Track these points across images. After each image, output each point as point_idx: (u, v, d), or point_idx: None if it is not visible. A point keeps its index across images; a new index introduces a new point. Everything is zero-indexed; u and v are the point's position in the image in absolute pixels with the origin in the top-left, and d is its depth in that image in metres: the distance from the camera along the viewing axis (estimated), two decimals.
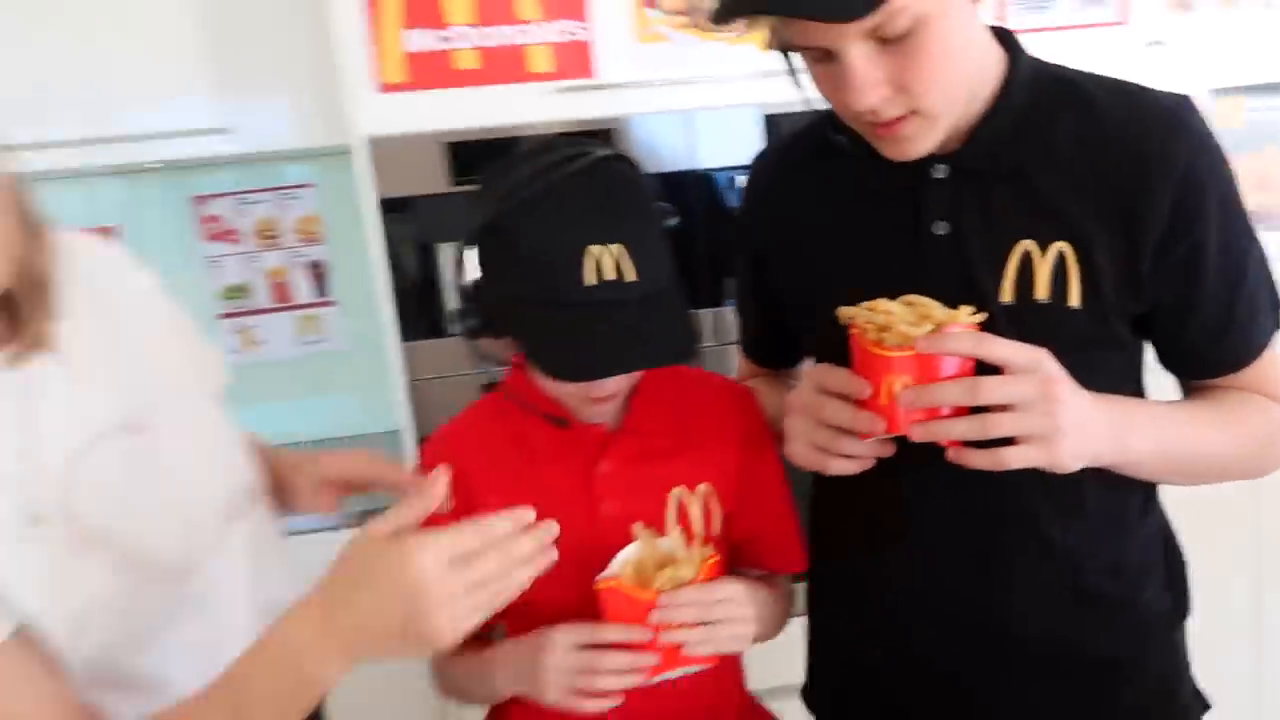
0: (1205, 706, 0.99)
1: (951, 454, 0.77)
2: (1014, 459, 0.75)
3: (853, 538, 0.97)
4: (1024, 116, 0.85)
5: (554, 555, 0.74)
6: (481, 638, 0.97)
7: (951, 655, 0.92)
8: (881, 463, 0.83)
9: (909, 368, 0.76)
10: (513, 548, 0.71)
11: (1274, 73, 1.94)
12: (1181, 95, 0.85)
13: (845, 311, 0.80)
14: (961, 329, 0.77)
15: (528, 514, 0.73)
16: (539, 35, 1.68)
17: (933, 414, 0.77)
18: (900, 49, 0.76)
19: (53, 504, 0.75)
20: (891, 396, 0.77)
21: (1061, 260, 0.83)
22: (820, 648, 1.06)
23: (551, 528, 0.73)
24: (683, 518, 0.93)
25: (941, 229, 0.86)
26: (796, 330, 1.00)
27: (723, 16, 0.76)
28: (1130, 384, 0.90)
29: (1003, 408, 0.75)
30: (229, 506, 0.89)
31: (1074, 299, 0.83)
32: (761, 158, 1.04)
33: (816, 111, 0.90)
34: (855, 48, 0.76)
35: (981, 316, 0.78)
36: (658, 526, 0.92)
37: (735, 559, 0.99)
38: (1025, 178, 0.84)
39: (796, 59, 0.83)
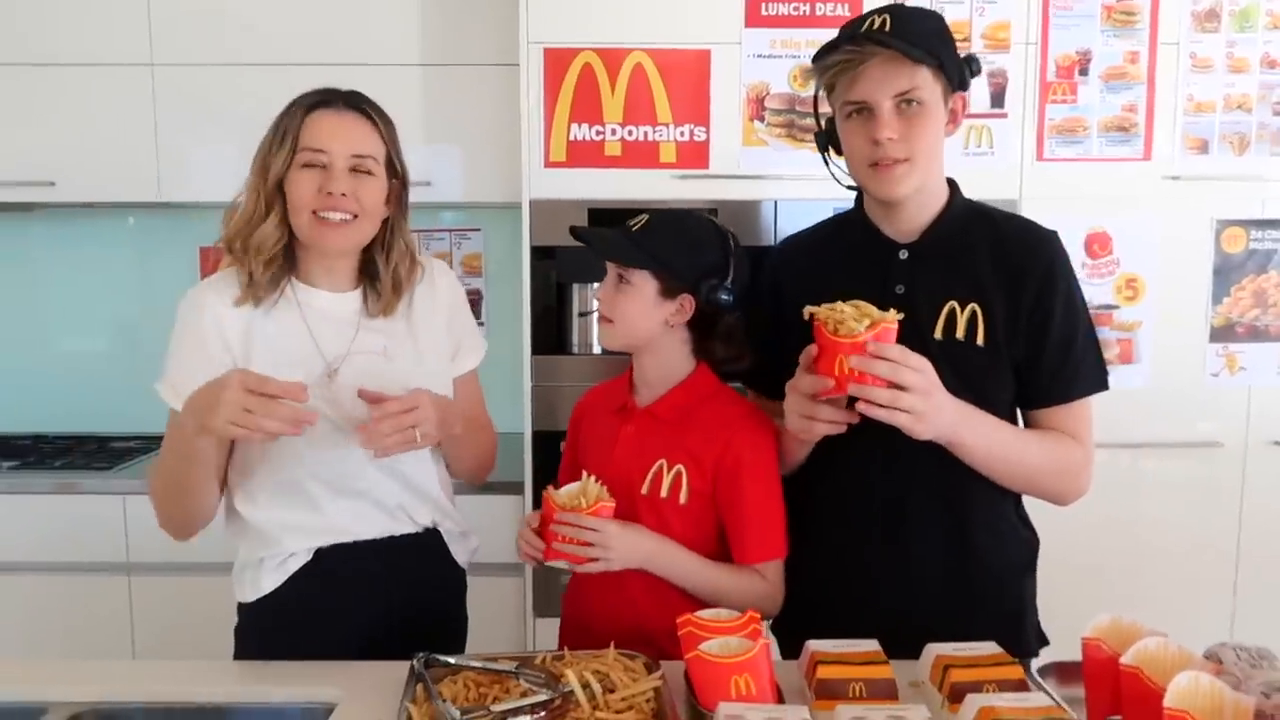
0: (1044, 642, 1.38)
1: (861, 406, 1.13)
2: (897, 420, 1.13)
3: (809, 505, 1.37)
4: (957, 226, 1.32)
5: (300, 426, 1.16)
6: None
7: (874, 578, 1.33)
8: (827, 446, 1.23)
9: (854, 349, 1.12)
10: (278, 407, 1.14)
11: (1272, 210, 2.30)
12: (1051, 230, 1.33)
13: (813, 309, 1.16)
14: (888, 325, 1.13)
15: (299, 387, 1.16)
16: (669, 135, 2.23)
17: (866, 381, 1.12)
18: (909, 115, 1.24)
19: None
20: (842, 369, 1.13)
21: (974, 314, 1.28)
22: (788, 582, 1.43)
23: (303, 402, 1.16)
24: (657, 480, 1.33)
25: (900, 289, 1.31)
26: (794, 354, 1.25)
27: (820, 55, 1.25)
28: (1006, 408, 1.30)
29: (903, 389, 1.13)
30: None
31: (979, 340, 1.28)
32: (793, 235, 1.48)
33: (841, 213, 1.37)
34: (888, 102, 1.23)
35: (900, 316, 1.14)
36: (640, 481, 1.33)
37: (729, 555, 1.33)
38: (955, 261, 1.30)
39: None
